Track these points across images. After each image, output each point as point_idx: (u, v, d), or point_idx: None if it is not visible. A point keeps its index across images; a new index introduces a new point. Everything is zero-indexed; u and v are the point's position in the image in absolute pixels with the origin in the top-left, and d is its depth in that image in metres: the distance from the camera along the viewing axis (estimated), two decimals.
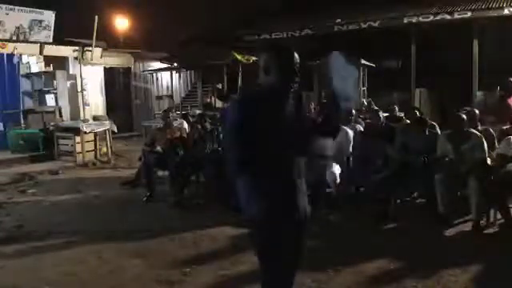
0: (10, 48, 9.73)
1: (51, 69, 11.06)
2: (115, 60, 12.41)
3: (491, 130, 5.27)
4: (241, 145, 2.02)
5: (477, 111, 5.48)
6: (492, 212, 4.58)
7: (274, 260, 2.10)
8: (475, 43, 10.21)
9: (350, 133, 5.56)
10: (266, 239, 2.08)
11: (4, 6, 9.69)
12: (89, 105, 11.12)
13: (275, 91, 2.07)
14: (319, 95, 11.39)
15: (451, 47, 10.89)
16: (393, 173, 4.93)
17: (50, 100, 11.09)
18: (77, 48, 10.67)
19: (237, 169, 2.07)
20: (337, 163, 5.23)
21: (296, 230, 2.14)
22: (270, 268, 2.11)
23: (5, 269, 3.84)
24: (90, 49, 10.67)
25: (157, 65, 15.55)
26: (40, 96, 11.18)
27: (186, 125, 7.39)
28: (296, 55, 2.11)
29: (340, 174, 5.15)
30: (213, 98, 14.69)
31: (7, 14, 9.70)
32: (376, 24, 11.00)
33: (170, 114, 6.98)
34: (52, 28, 10.39)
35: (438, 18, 10.36)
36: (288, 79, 2.07)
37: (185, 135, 6.65)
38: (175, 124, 6.91)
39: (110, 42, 13.47)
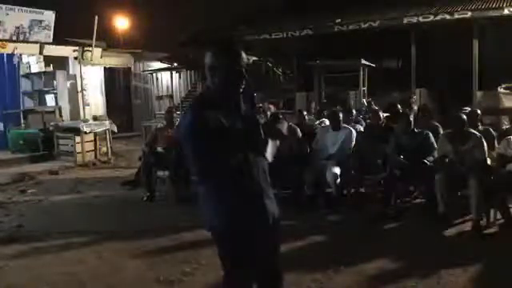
0: (10, 48, 9.73)
1: (51, 69, 11.06)
2: (115, 60, 12.41)
3: (491, 130, 5.27)
4: (199, 154, 1.91)
5: (478, 111, 5.49)
6: (492, 212, 4.58)
7: (241, 271, 2.04)
8: (475, 43, 10.20)
9: (354, 132, 5.57)
10: (231, 251, 2.02)
11: (4, 6, 9.68)
12: (89, 105, 11.12)
13: (224, 94, 1.96)
14: (319, 95, 11.39)
15: (451, 47, 10.89)
16: (391, 173, 4.94)
17: (50, 100, 11.09)
18: (77, 48, 10.67)
19: (198, 179, 1.98)
20: (338, 163, 5.24)
21: (267, 237, 2.06)
22: (236, 280, 2.07)
23: (5, 269, 3.84)
24: (90, 49, 10.67)
25: (157, 65, 15.55)
26: (40, 96, 11.18)
27: None
28: (243, 53, 1.98)
29: (340, 174, 5.16)
30: None
31: (7, 14, 9.69)
32: (376, 24, 10.99)
33: (175, 115, 6.94)
34: (52, 28, 10.39)
35: (438, 18, 10.36)
36: (236, 80, 1.96)
37: None
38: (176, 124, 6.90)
39: (110, 42, 13.50)
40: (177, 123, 6.69)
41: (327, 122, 6.06)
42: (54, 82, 10.74)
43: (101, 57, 11.19)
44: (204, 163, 1.92)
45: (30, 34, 10.08)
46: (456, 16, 10.15)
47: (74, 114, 10.82)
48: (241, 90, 1.99)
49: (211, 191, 1.99)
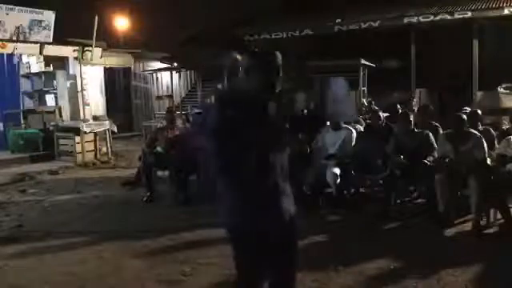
0: (10, 48, 9.72)
1: (51, 69, 11.05)
2: (115, 60, 12.40)
3: (491, 130, 5.27)
4: (219, 152, 1.95)
5: (479, 111, 5.49)
6: (492, 212, 4.58)
7: (253, 269, 2.06)
8: (475, 43, 10.21)
9: (354, 132, 5.57)
10: (245, 250, 2.04)
11: (4, 6, 9.66)
12: (89, 105, 11.11)
13: (256, 93, 1.99)
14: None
15: (451, 47, 10.90)
16: (391, 173, 4.95)
17: (50, 100, 11.09)
18: (77, 48, 10.65)
19: (218, 175, 2.00)
20: (338, 163, 5.24)
21: (282, 234, 2.07)
22: (249, 278, 2.08)
23: (5, 269, 3.84)
24: (90, 49, 10.66)
25: (157, 65, 15.55)
26: (40, 96, 11.19)
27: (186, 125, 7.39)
28: (279, 56, 2.03)
29: (340, 174, 5.16)
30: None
31: (7, 14, 9.67)
32: (376, 24, 11.01)
33: (175, 115, 6.91)
34: (52, 28, 10.37)
35: (438, 18, 10.38)
36: (269, 81, 2.00)
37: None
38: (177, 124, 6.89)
39: (110, 41, 13.48)
40: (177, 122, 6.69)
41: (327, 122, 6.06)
42: (54, 82, 10.74)
43: (101, 57, 11.18)
44: (223, 161, 1.95)
45: (29, 34, 10.06)
46: (456, 16, 10.17)
47: (74, 114, 10.81)
48: (274, 91, 2.02)
49: (228, 190, 2.02)
